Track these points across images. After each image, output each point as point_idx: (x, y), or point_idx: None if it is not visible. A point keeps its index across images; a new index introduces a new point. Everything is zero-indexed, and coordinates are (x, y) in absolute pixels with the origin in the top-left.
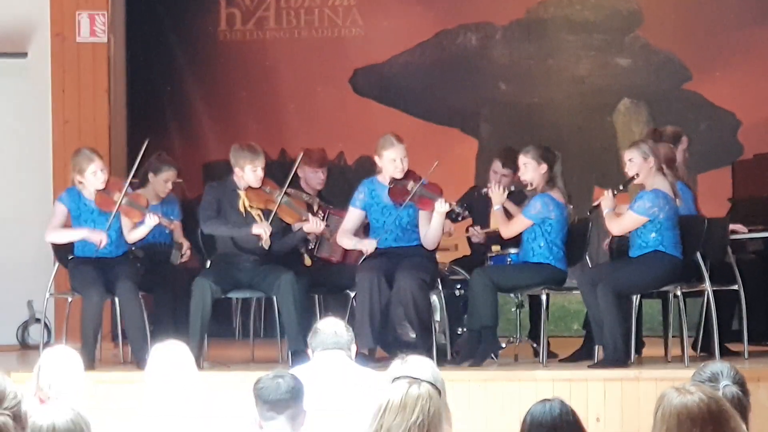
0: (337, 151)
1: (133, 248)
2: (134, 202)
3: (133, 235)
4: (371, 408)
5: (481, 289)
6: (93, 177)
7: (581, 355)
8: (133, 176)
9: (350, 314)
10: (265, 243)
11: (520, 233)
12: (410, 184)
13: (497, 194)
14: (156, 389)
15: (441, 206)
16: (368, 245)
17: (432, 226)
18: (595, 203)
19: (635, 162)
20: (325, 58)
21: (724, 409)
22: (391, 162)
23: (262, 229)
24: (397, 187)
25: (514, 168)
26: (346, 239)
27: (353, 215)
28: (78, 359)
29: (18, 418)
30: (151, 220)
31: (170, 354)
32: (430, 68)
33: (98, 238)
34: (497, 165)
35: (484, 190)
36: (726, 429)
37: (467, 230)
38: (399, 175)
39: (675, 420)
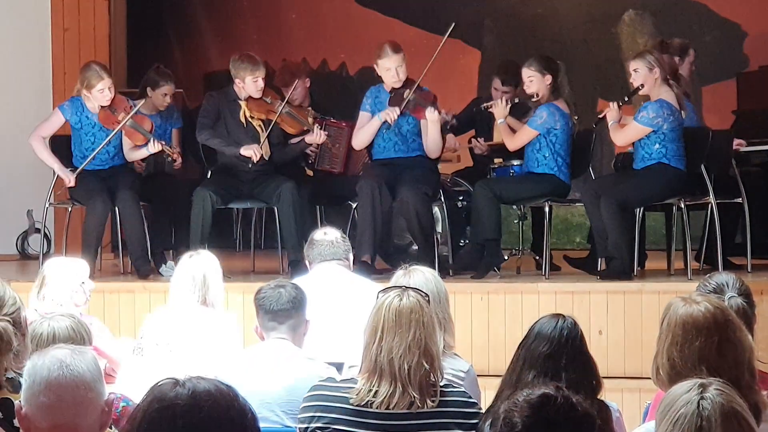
0: (339, 61)
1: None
2: (139, 125)
3: (133, 155)
4: (365, 328)
5: (484, 202)
6: (100, 95)
7: (586, 265)
8: (138, 98)
9: (351, 225)
10: (265, 153)
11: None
12: (406, 93)
13: (500, 108)
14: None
15: (431, 114)
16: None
17: (429, 134)
18: (600, 115)
19: (640, 72)
20: None
21: (730, 319)
22: (386, 71)
23: (251, 151)
24: (395, 97)
25: (515, 83)
26: (361, 134)
27: (364, 118)
28: (85, 267)
29: (18, 324)
30: (154, 148)
31: (199, 262)
32: None
33: (66, 178)
34: (497, 83)
35: (485, 105)
36: (731, 339)
37: (470, 141)
38: (396, 85)
39: (680, 329)
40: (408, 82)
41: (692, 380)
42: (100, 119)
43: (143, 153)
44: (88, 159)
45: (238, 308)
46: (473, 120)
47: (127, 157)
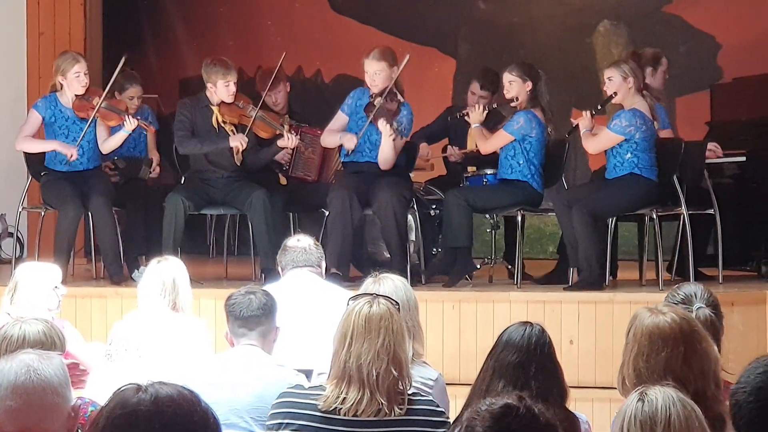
0: (314, 69)
1: (116, 157)
2: (113, 106)
3: (108, 144)
4: (335, 335)
5: (456, 210)
6: (75, 78)
7: (554, 278)
8: (110, 87)
9: (324, 233)
10: (238, 159)
11: (498, 152)
12: (377, 100)
13: (476, 114)
14: (146, 301)
15: (381, 126)
16: (349, 140)
17: (381, 145)
18: (574, 124)
19: (614, 81)
20: None
21: (696, 329)
22: (366, 74)
23: (238, 141)
24: (370, 103)
25: (493, 89)
26: (329, 137)
27: (339, 118)
28: (57, 271)
29: None
30: (130, 124)
31: (168, 267)
32: None
33: (69, 151)
34: (475, 86)
35: (461, 112)
36: (697, 350)
37: (444, 150)
38: (374, 90)
39: (647, 339)
40: (388, 93)
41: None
42: (75, 108)
43: (120, 136)
44: (79, 140)
45: (210, 314)
46: (447, 128)
47: (102, 149)
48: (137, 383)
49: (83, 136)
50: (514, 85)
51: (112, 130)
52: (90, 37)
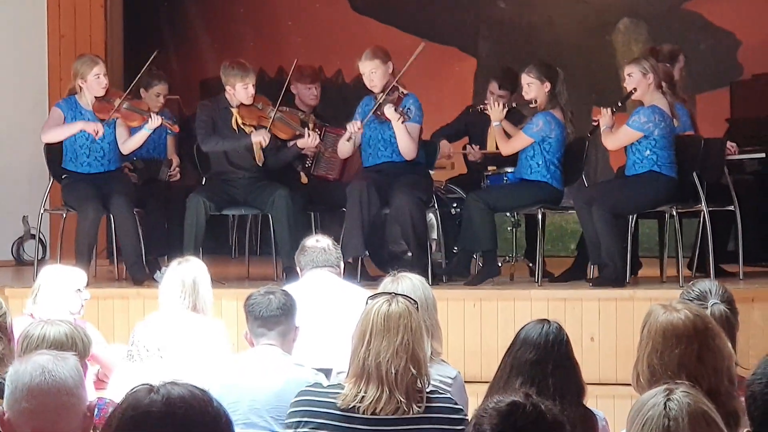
0: (335, 69)
1: (135, 158)
2: (134, 106)
3: (129, 144)
4: (354, 333)
5: (477, 213)
6: (96, 80)
7: (573, 275)
8: (134, 85)
9: (344, 231)
10: (259, 158)
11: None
12: (380, 96)
13: (496, 111)
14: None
15: (389, 111)
16: (351, 125)
17: (396, 134)
18: (594, 122)
19: (634, 77)
20: None
21: (710, 326)
22: (363, 77)
23: (260, 137)
24: (377, 102)
25: (512, 89)
26: (341, 143)
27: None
28: (82, 275)
29: (3, 329)
30: (154, 122)
31: (189, 268)
32: None
33: (94, 128)
34: (494, 86)
35: (481, 106)
36: (711, 346)
37: (464, 148)
38: (374, 90)
39: (660, 336)
40: (392, 89)
41: (661, 386)
42: (95, 110)
43: (142, 136)
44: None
45: (233, 314)
46: (467, 127)
47: (122, 150)
48: (150, 384)
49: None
50: (532, 87)
51: (132, 131)
52: (111, 40)
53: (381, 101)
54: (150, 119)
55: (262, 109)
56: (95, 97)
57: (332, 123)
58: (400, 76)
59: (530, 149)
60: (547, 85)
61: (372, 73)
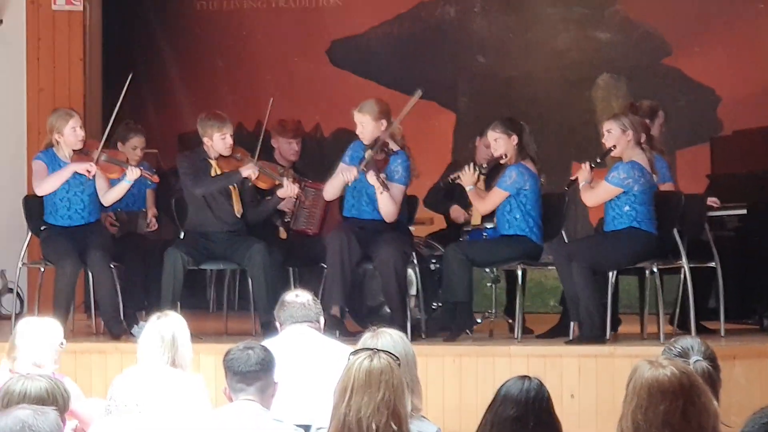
0: (313, 122)
1: (119, 210)
2: (112, 157)
3: (110, 196)
4: (335, 388)
5: (456, 265)
6: (72, 133)
7: (558, 332)
8: (109, 134)
9: (324, 286)
10: (237, 212)
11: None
12: (367, 153)
13: (467, 176)
14: (146, 356)
15: (370, 178)
16: (348, 171)
17: (378, 201)
18: (573, 177)
19: (613, 133)
20: (302, 29)
21: (696, 383)
22: (356, 124)
23: (250, 170)
24: (365, 159)
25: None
26: (329, 184)
27: (341, 169)
28: (58, 328)
29: None
30: (132, 174)
31: (168, 323)
32: (408, 40)
33: (86, 167)
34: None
35: (452, 177)
36: (696, 404)
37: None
38: (365, 142)
39: (646, 392)
40: (378, 145)
41: None
42: (73, 162)
43: (123, 187)
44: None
45: (210, 369)
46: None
47: (103, 201)
48: None
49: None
50: (500, 142)
51: (112, 183)
52: (90, 93)
53: (368, 160)
54: (129, 170)
55: (240, 160)
56: (73, 150)
57: (311, 178)
58: (392, 128)
59: (507, 204)
60: (515, 138)
61: (362, 126)
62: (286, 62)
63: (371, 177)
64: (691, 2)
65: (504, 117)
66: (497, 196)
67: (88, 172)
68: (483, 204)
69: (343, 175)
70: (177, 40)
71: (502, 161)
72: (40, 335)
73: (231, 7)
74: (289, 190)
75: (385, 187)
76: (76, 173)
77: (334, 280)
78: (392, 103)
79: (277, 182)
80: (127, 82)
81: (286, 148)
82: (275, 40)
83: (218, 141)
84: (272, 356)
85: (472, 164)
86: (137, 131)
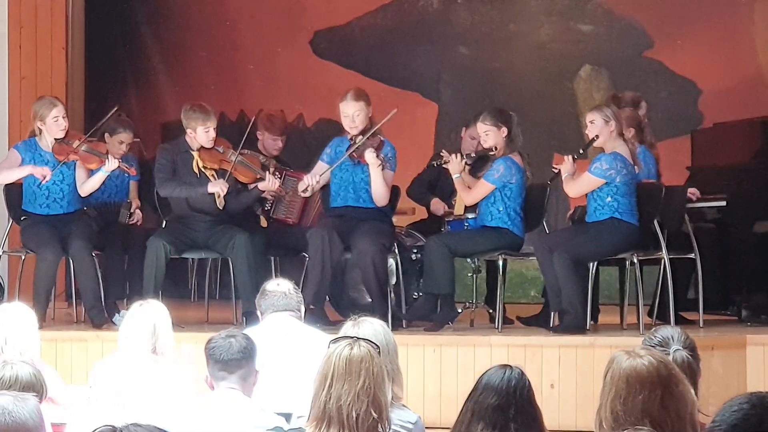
0: (296, 113)
1: (86, 208)
2: (93, 148)
3: (87, 186)
4: (316, 377)
5: (437, 257)
6: (54, 123)
7: (540, 321)
8: (91, 135)
9: (305, 276)
10: (219, 203)
11: None
12: (359, 138)
13: (455, 163)
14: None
15: (369, 156)
16: (320, 168)
17: (371, 180)
18: (555, 169)
19: (596, 124)
20: (285, 19)
21: (673, 373)
22: (344, 117)
23: (218, 187)
24: (351, 144)
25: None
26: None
27: (319, 168)
28: (32, 316)
29: None
30: (111, 164)
31: (150, 311)
32: (391, 31)
33: (41, 173)
34: (473, 131)
35: (438, 161)
36: (674, 392)
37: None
38: (353, 131)
39: (624, 382)
40: (374, 133)
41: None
42: (54, 151)
43: (99, 177)
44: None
45: (192, 358)
46: (438, 176)
47: (81, 191)
48: (112, 425)
49: (55, 168)
50: (490, 135)
51: (91, 173)
52: (72, 82)
53: (360, 144)
54: (107, 161)
55: (223, 153)
56: (55, 139)
57: (293, 167)
58: (379, 127)
59: (491, 196)
60: (504, 130)
61: (356, 114)
62: (270, 53)
63: (369, 154)
64: None
65: (493, 108)
66: (483, 188)
67: (44, 177)
68: (468, 195)
69: (306, 180)
70: (160, 30)
71: (491, 153)
72: (32, 321)
73: None
74: (270, 184)
75: (384, 163)
76: (56, 160)
77: (313, 279)
78: (376, 95)
79: (258, 176)
80: (111, 112)
81: (270, 143)
82: (258, 30)
83: (201, 134)
84: (254, 344)
85: (458, 153)
86: (127, 126)
